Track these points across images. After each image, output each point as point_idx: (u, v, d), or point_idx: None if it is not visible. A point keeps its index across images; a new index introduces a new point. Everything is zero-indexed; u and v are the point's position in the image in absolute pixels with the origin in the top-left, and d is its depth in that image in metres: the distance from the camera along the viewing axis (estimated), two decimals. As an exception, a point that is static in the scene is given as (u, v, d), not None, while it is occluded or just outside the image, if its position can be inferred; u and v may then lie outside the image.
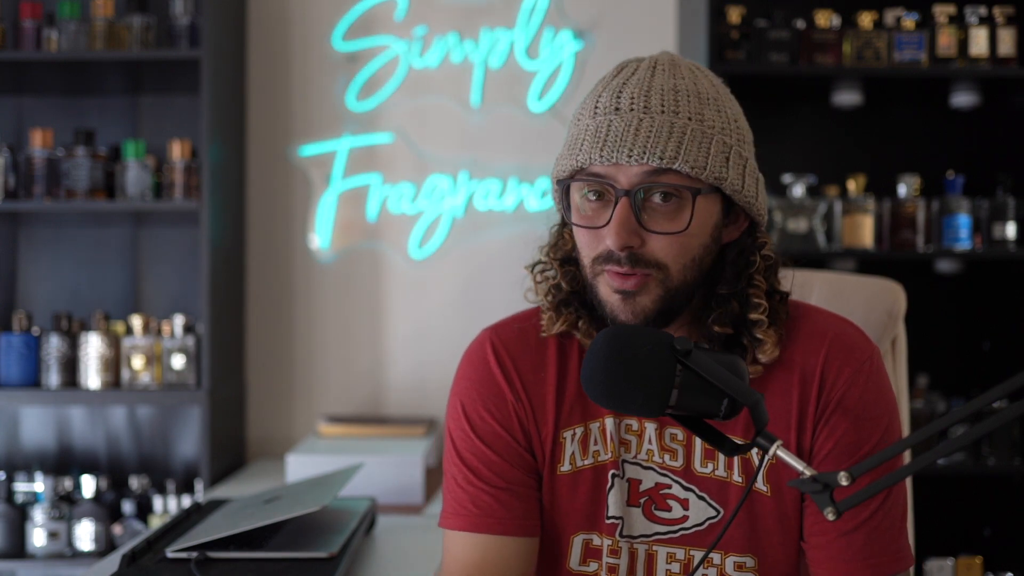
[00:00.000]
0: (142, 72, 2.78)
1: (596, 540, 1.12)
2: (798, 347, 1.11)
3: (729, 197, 1.08)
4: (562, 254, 1.15)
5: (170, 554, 1.46)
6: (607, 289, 1.07)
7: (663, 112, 1.04)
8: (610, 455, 1.12)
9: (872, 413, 1.08)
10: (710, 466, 1.11)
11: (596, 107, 1.08)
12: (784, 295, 1.12)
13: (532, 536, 1.14)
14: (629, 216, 1.03)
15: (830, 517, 0.88)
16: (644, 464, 1.12)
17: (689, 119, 1.05)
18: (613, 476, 1.12)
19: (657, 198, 1.04)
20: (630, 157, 1.02)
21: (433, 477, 2.44)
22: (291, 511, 1.52)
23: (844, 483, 0.87)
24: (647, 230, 1.04)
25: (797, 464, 0.91)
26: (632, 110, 1.05)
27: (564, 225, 1.17)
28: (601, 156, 1.04)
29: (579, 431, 1.14)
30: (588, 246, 1.08)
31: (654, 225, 1.04)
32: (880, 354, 1.13)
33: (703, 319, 1.10)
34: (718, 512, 1.10)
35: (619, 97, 1.06)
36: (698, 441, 1.11)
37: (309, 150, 2.96)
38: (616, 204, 1.04)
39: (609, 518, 1.12)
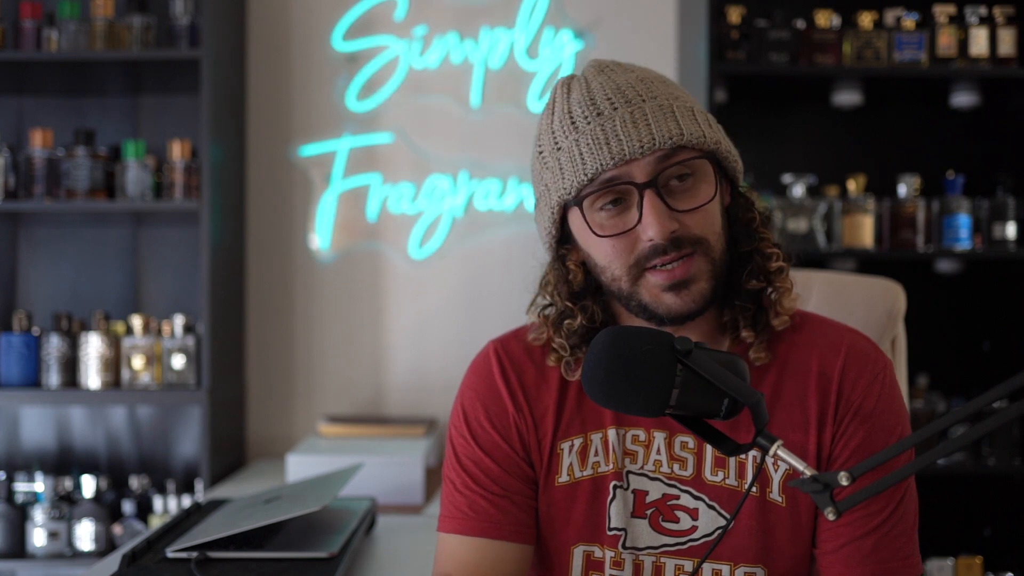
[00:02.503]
0: (142, 72, 2.78)
1: (598, 552, 1.12)
2: (815, 354, 1.11)
3: (718, 161, 1.10)
4: (573, 289, 1.13)
5: (170, 554, 1.46)
6: (655, 290, 1.06)
7: (644, 100, 1.05)
8: (611, 466, 1.12)
9: (887, 422, 1.09)
10: (720, 474, 1.10)
11: (573, 123, 1.07)
12: (781, 244, 1.14)
13: (527, 544, 1.14)
14: (660, 204, 1.03)
15: (830, 517, 0.87)
16: (651, 475, 1.11)
17: (668, 99, 1.06)
18: (615, 487, 1.11)
19: (674, 180, 1.05)
20: (642, 148, 1.02)
21: (433, 477, 2.44)
22: (291, 511, 1.52)
23: (844, 483, 0.87)
24: (678, 211, 1.04)
25: (798, 464, 0.91)
26: (615, 108, 1.05)
27: (563, 258, 1.14)
28: (611, 159, 1.03)
29: (578, 442, 1.14)
30: (622, 254, 1.06)
31: (682, 205, 1.05)
32: (893, 366, 1.14)
33: (732, 283, 1.11)
34: (729, 522, 1.10)
35: (593, 103, 1.06)
36: (709, 449, 1.10)
37: (309, 150, 2.96)
38: (642, 199, 1.03)
39: (611, 530, 1.11)
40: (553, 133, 1.09)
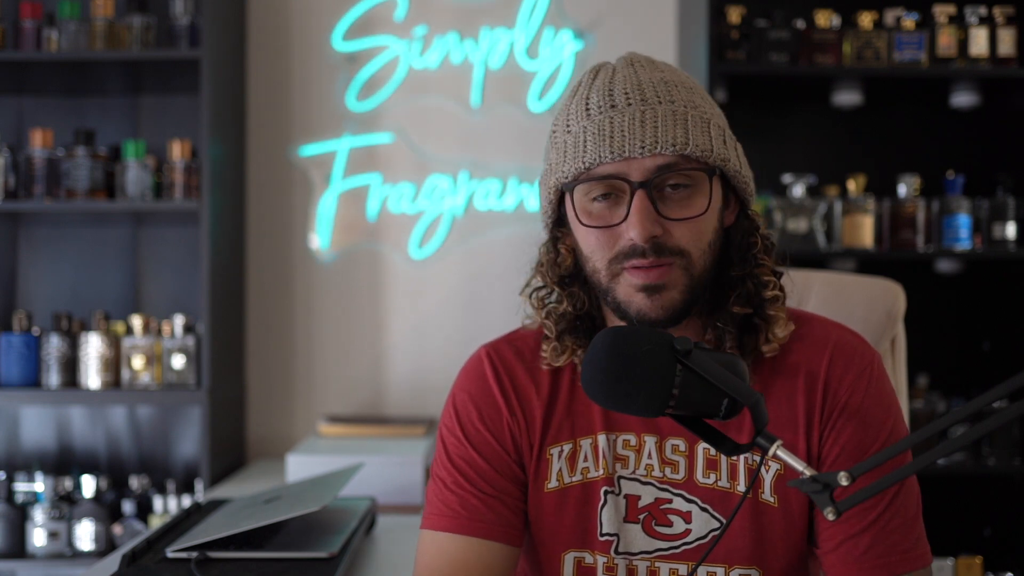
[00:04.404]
0: (142, 72, 2.78)
1: (589, 558, 1.11)
2: (802, 353, 1.11)
3: (727, 180, 1.09)
4: (561, 273, 1.14)
5: (170, 554, 1.46)
6: (629, 289, 1.05)
7: (660, 103, 1.05)
8: (601, 472, 1.12)
9: (877, 416, 1.08)
10: (712, 477, 1.10)
11: (587, 109, 1.07)
12: (782, 273, 1.13)
13: (515, 545, 1.13)
14: (648, 206, 1.03)
15: (830, 517, 0.87)
16: (643, 480, 1.11)
17: (685, 107, 1.06)
18: (606, 493, 1.11)
19: (669, 187, 1.04)
20: (642, 149, 1.02)
21: (433, 477, 2.44)
22: (291, 511, 1.52)
23: (844, 483, 0.87)
24: (666, 219, 1.04)
25: (797, 464, 0.91)
26: (630, 104, 1.05)
27: (556, 240, 1.15)
28: (611, 153, 1.03)
29: (567, 448, 1.13)
30: (603, 247, 1.06)
31: (672, 213, 1.04)
32: (881, 359, 1.14)
33: (719, 304, 1.10)
34: (722, 524, 1.09)
35: (611, 94, 1.06)
36: (700, 452, 1.10)
37: (309, 150, 2.96)
38: (632, 198, 1.03)
39: (603, 535, 1.11)
40: (568, 115, 1.10)
